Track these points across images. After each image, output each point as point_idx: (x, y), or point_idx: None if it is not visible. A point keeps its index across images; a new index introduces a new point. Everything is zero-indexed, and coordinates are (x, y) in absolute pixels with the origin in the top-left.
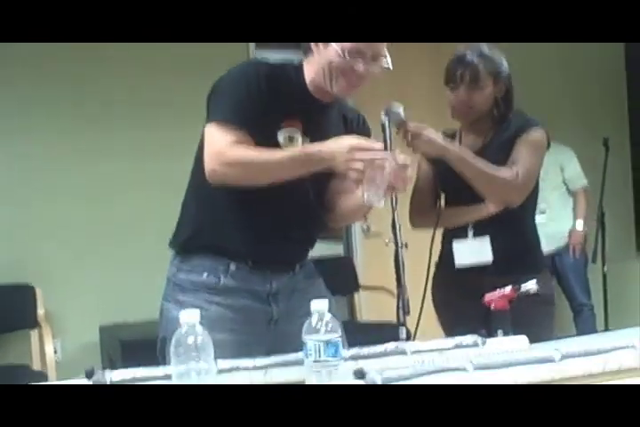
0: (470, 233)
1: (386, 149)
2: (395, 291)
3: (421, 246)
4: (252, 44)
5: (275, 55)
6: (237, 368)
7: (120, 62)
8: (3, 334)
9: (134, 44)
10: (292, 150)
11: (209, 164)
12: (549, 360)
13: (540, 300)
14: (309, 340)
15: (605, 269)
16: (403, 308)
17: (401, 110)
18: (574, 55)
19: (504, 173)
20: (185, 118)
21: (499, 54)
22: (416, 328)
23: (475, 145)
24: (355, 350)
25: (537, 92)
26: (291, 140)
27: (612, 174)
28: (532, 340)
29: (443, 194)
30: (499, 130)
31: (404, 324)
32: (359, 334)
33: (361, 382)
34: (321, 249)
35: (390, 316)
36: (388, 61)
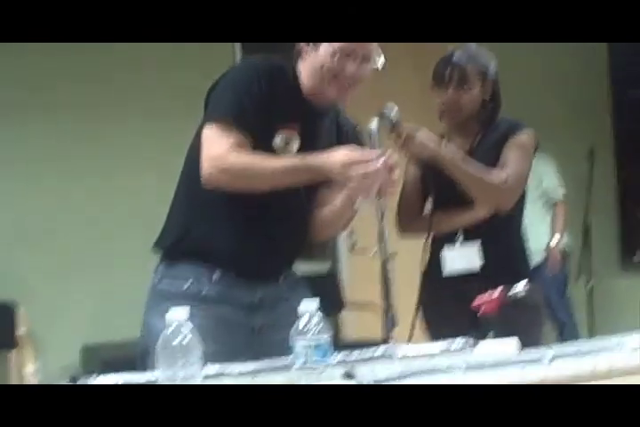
0: (459, 239)
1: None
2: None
3: (407, 257)
4: (237, 48)
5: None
6: (224, 374)
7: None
8: None
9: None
10: (292, 160)
11: (206, 167)
12: (539, 361)
13: (529, 307)
14: (298, 342)
15: (590, 284)
16: (389, 322)
17: (396, 110)
18: (558, 67)
19: (495, 176)
20: (172, 127)
21: (487, 55)
22: (410, 335)
23: (463, 147)
24: (343, 355)
25: (520, 104)
26: (287, 143)
27: (597, 187)
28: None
29: (430, 199)
30: (486, 132)
31: (387, 339)
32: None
33: (351, 382)
34: (306, 267)
35: (377, 334)
36: (379, 61)
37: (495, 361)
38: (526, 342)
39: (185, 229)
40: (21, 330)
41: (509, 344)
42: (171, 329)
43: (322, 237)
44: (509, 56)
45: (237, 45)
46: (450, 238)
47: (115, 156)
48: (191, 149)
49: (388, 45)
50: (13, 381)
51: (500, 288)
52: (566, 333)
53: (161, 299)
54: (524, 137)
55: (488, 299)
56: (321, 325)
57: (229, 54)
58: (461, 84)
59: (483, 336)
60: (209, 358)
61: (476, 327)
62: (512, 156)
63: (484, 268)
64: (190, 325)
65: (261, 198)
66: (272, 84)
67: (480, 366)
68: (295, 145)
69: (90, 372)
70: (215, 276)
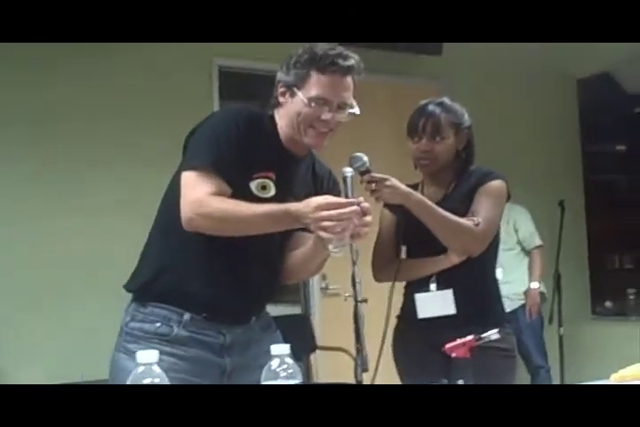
0: (433, 285)
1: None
2: (353, 351)
3: (381, 302)
4: (215, 95)
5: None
6: None
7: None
8: None
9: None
10: (271, 206)
11: (187, 212)
12: None
13: (501, 353)
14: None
15: (562, 331)
16: (361, 365)
17: (366, 159)
18: (531, 121)
19: (465, 221)
20: (146, 170)
21: (460, 106)
22: (373, 378)
23: (436, 196)
24: None
25: (492, 153)
26: (264, 188)
27: (567, 236)
28: None
29: (404, 246)
30: (460, 181)
31: (361, 382)
32: None
33: None
34: (277, 310)
35: (348, 378)
36: (354, 109)
37: None
38: None
39: (157, 270)
40: None
41: None
42: (140, 370)
43: (293, 279)
44: (482, 107)
45: (215, 93)
46: (423, 283)
47: (87, 195)
48: (168, 192)
49: (364, 97)
50: None
51: (470, 334)
52: (541, 378)
53: (131, 339)
54: (496, 185)
55: (459, 344)
56: (291, 369)
57: (208, 101)
58: (435, 134)
59: (454, 382)
60: None
61: (448, 373)
62: (483, 202)
63: (456, 313)
64: (158, 368)
65: (236, 242)
66: (250, 131)
67: None
68: (271, 192)
69: None
70: (185, 318)
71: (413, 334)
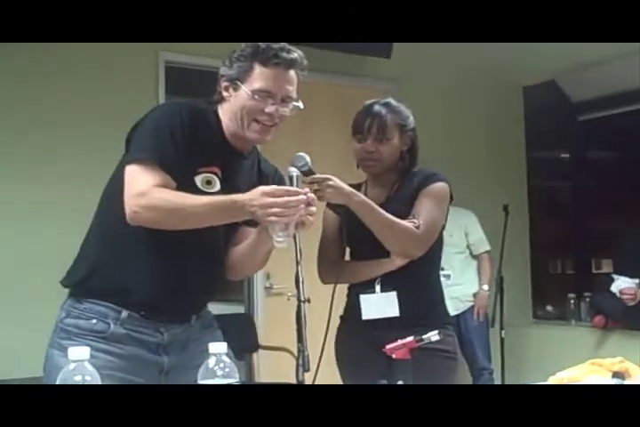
0: (377, 287)
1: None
2: (296, 351)
3: (325, 302)
4: (161, 89)
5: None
6: None
7: None
8: None
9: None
10: (216, 197)
11: (131, 205)
12: None
13: (441, 354)
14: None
15: (503, 333)
16: (303, 365)
17: (308, 159)
18: (476, 122)
19: (406, 223)
20: (82, 168)
21: (405, 108)
22: (314, 380)
23: (379, 198)
24: None
25: (438, 157)
26: (209, 183)
27: (511, 240)
28: None
29: (349, 247)
30: (403, 183)
31: (302, 382)
32: None
33: None
34: (221, 309)
35: (290, 377)
36: (298, 103)
37: None
38: None
39: (94, 266)
40: None
41: None
42: (71, 367)
43: (237, 275)
44: (431, 115)
45: (161, 88)
46: (368, 285)
47: (24, 191)
48: (108, 188)
49: (308, 97)
50: None
51: (411, 335)
52: (483, 380)
53: (65, 335)
54: (438, 187)
55: (399, 345)
56: (228, 367)
57: (154, 97)
58: (381, 134)
59: (394, 382)
60: None
61: (389, 375)
62: (425, 204)
63: (400, 314)
64: (90, 365)
65: (176, 238)
66: (194, 126)
67: None
68: (216, 187)
69: None
70: (122, 315)
71: (356, 335)
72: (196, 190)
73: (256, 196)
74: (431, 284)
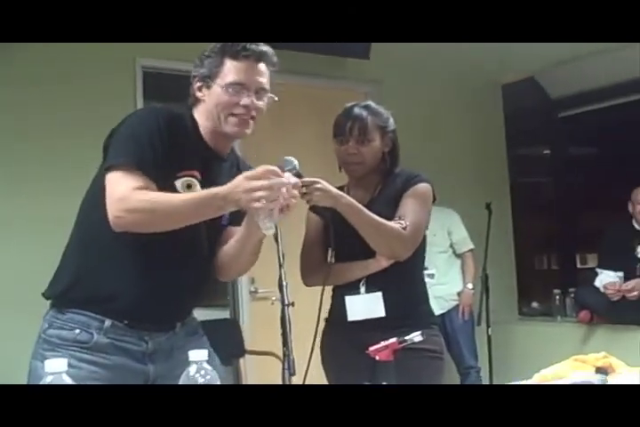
0: (363, 288)
1: None
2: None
3: (309, 306)
4: (139, 94)
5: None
6: None
7: None
8: None
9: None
10: (197, 193)
11: (113, 211)
12: None
13: (426, 353)
14: None
15: (490, 331)
16: (289, 369)
17: (296, 163)
18: (456, 121)
19: (393, 224)
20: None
21: (385, 110)
22: (303, 382)
23: (362, 200)
24: None
25: (419, 156)
26: (189, 187)
27: (495, 237)
28: None
29: (333, 250)
30: (385, 184)
31: None
32: None
33: None
34: (206, 314)
35: (277, 382)
36: (272, 95)
37: None
38: None
39: (76, 276)
40: None
41: None
42: (49, 379)
43: (227, 275)
44: (411, 114)
45: (139, 93)
46: (353, 286)
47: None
48: (87, 197)
49: (289, 101)
50: None
51: (395, 336)
52: (471, 378)
53: (48, 347)
54: (422, 188)
55: (382, 346)
56: (209, 375)
57: (132, 102)
58: (362, 136)
59: (378, 384)
60: None
61: (372, 376)
62: (410, 206)
63: (385, 315)
64: (68, 378)
65: (159, 245)
66: (172, 130)
67: None
68: (197, 190)
69: None
70: (106, 325)
71: (341, 337)
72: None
73: (239, 181)
74: (415, 284)
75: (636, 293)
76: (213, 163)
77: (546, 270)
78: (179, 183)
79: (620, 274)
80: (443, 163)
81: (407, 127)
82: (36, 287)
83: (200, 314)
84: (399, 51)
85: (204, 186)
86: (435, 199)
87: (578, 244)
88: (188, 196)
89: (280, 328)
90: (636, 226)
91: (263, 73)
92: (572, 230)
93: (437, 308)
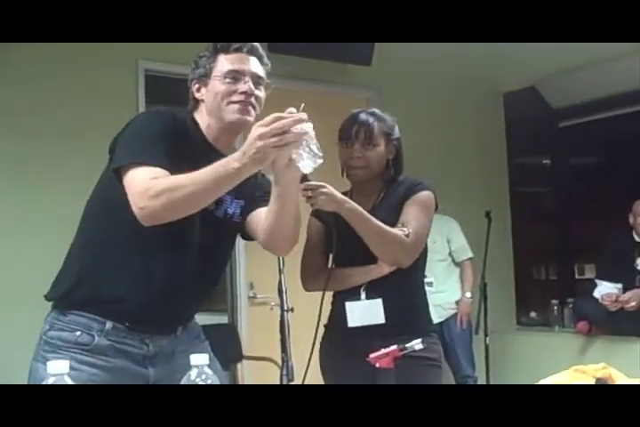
0: (363, 294)
1: None
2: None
3: (308, 311)
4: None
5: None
6: None
7: None
8: None
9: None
10: (214, 164)
11: (136, 203)
12: None
13: (426, 362)
14: None
15: (488, 340)
16: (287, 374)
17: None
18: (457, 129)
19: (396, 231)
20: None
21: (390, 118)
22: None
23: (365, 206)
24: None
25: (419, 164)
26: None
27: (494, 246)
28: None
29: (333, 255)
30: (388, 191)
31: None
32: None
33: None
34: (204, 319)
35: None
36: (268, 82)
37: None
38: None
39: (78, 278)
40: None
41: None
42: (51, 381)
43: (277, 245)
44: (412, 122)
45: (142, 97)
46: (353, 292)
47: (12, 204)
48: (92, 198)
49: (292, 105)
50: None
51: (395, 345)
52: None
53: (49, 348)
54: (425, 196)
55: (383, 354)
56: (210, 379)
57: (134, 106)
58: (368, 140)
59: None
60: None
61: (373, 382)
62: (413, 213)
63: (385, 322)
64: (69, 379)
65: (163, 247)
66: (176, 131)
67: None
68: None
69: None
70: (107, 327)
71: (340, 344)
72: None
73: (251, 135)
74: (416, 291)
75: (634, 304)
76: (217, 161)
77: (544, 280)
78: None
79: (619, 285)
80: (443, 170)
81: (407, 134)
82: (39, 287)
83: (198, 319)
84: (400, 58)
85: None
86: (437, 207)
87: (576, 254)
88: (205, 169)
89: (279, 334)
90: (636, 237)
91: (257, 65)
92: (570, 241)
93: (435, 316)
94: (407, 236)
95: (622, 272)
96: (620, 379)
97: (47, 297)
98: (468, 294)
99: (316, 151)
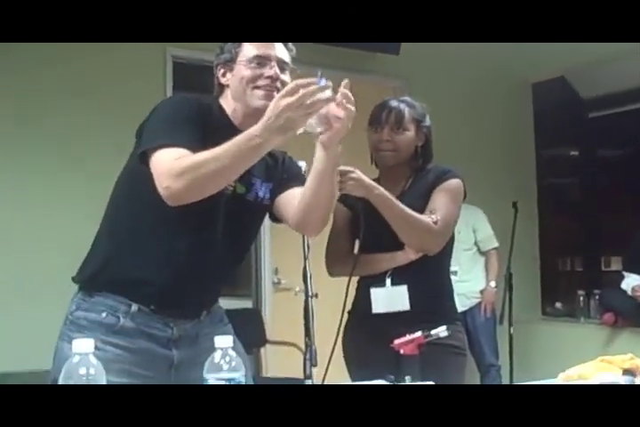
0: (388, 281)
1: None
2: (304, 346)
3: (333, 297)
4: (169, 88)
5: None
6: None
7: None
8: None
9: None
10: (237, 137)
11: (162, 183)
12: None
13: (450, 349)
14: (211, 378)
15: (512, 330)
16: (310, 359)
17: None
18: (485, 119)
19: (424, 218)
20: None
21: (422, 106)
22: (325, 375)
23: (393, 193)
24: None
25: (447, 153)
26: None
27: (520, 237)
28: None
29: (360, 240)
30: (416, 178)
31: (310, 376)
32: None
33: None
34: (229, 304)
35: (298, 372)
36: (294, 67)
37: None
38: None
39: (105, 260)
40: None
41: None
42: (76, 360)
43: (315, 222)
44: (439, 111)
45: (169, 84)
46: (379, 279)
47: (34, 187)
48: (119, 182)
49: None
50: None
51: (419, 331)
52: (491, 376)
53: (74, 328)
54: (454, 183)
55: (407, 340)
56: (234, 361)
57: (161, 91)
58: (398, 124)
59: (402, 378)
60: None
61: (397, 369)
62: (441, 200)
63: (410, 309)
64: (94, 358)
65: (189, 231)
66: (201, 115)
67: None
68: None
69: None
70: (133, 309)
71: (364, 330)
72: None
73: (275, 106)
74: (441, 279)
75: None
76: None
77: (570, 271)
78: None
79: None
80: (470, 161)
81: (435, 124)
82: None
83: (222, 303)
84: (429, 48)
85: None
86: (465, 196)
87: (603, 246)
88: (226, 144)
89: (302, 319)
90: None
91: (282, 50)
92: (597, 233)
93: (459, 305)
94: (435, 223)
95: None
96: None
97: (75, 280)
98: (493, 284)
99: (322, 121)
